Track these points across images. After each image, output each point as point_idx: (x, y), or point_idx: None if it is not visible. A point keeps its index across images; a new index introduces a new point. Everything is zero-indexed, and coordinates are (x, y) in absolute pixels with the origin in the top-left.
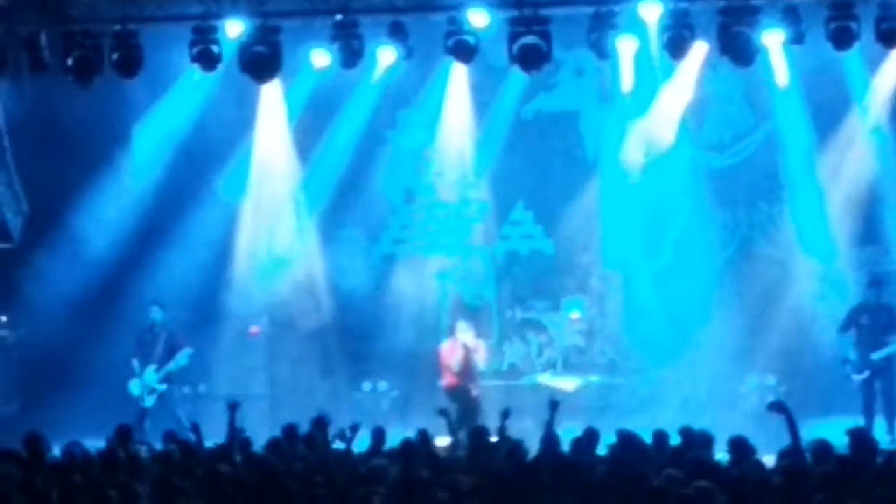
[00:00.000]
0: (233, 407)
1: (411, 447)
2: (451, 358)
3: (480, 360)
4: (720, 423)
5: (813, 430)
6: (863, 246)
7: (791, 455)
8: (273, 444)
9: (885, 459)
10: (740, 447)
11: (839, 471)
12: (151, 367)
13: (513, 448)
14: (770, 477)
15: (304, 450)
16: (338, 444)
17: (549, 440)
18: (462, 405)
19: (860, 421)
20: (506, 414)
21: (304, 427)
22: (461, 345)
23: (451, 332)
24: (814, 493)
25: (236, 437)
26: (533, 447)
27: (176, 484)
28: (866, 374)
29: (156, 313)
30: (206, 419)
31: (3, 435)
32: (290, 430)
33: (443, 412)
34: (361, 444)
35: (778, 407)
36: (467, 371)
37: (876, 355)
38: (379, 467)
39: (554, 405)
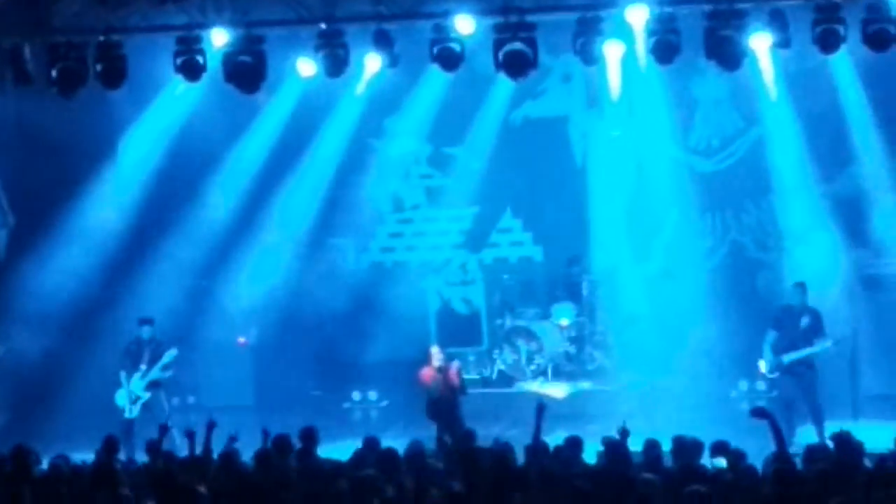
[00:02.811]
0: (210, 426)
1: (394, 456)
2: (428, 383)
3: (454, 380)
4: (711, 429)
5: (802, 434)
6: (854, 249)
7: (779, 460)
8: (261, 456)
9: (876, 462)
10: (727, 451)
11: (829, 474)
12: (137, 375)
13: (501, 454)
14: (761, 482)
15: (293, 462)
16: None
17: (536, 447)
18: (443, 422)
19: (845, 425)
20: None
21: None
22: (436, 369)
23: (426, 358)
24: (805, 496)
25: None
26: (522, 454)
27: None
28: (776, 374)
29: (145, 332)
30: (196, 430)
31: None
32: (280, 442)
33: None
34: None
35: (760, 412)
36: (446, 394)
37: (787, 358)
38: (367, 477)
39: (540, 409)
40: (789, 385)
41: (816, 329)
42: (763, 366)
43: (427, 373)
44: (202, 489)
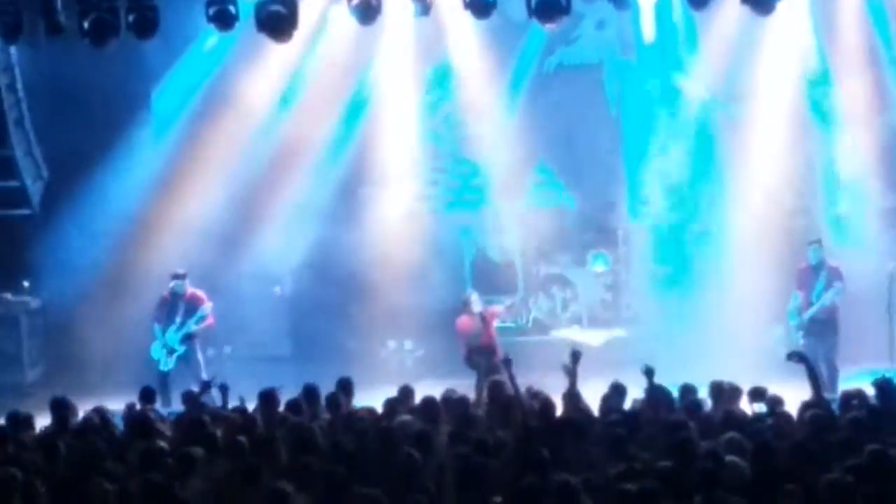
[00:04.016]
0: (223, 389)
1: (433, 404)
2: (468, 331)
3: (502, 319)
4: (748, 375)
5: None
6: (891, 192)
7: (815, 406)
8: (293, 405)
9: None
10: (765, 397)
11: (865, 420)
12: (173, 328)
13: (542, 405)
14: (798, 427)
15: (326, 411)
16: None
17: (572, 395)
18: (483, 371)
19: (882, 368)
20: (508, 362)
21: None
22: (478, 316)
23: (464, 305)
24: (840, 442)
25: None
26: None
27: (192, 453)
28: (801, 334)
29: (178, 286)
30: (232, 381)
31: (28, 399)
32: (310, 391)
33: (506, 362)
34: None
35: (798, 357)
36: (487, 341)
37: (807, 315)
38: (401, 423)
39: (576, 356)
40: (811, 345)
41: (833, 286)
42: (793, 329)
43: (466, 321)
44: (243, 439)
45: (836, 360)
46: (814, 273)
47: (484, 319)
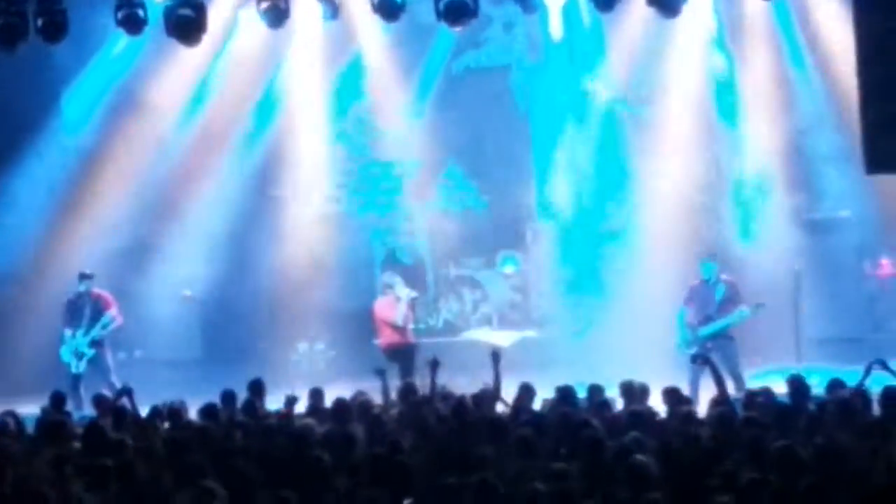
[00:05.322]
0: (128, 392)
1: (345, 406)
2: (392, 313)
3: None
4: (656, 375)
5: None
6: (795, 193)
7: (719, 404)
8: (208, 410)
9: (818, 406)
10: (679, 397)
11: (772, 417)
12: (80, 332)
13: (456, 404)
14: (701, 426)
15: (242, 415)
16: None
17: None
18: (405, 362)
19: (789, 369)
20: (434, 364)
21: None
22: (406, 298)
23: (387, 287)
24: (745, 439)
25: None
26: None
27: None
28: (694, 349)
29: (84, 287)
30: (144, 384)
31: None
32: (227, 396)
33: (379, 372)
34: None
35: (702, 359)
36: (408, 335)
37: (703, 331)
38: (307, 427)
39: (496, 357)
40: (719, 356)
41: (733, 299)
42: (680, 343)
43: (389, 302)
44: (128, 441)
45: (739, 369)
46: (708, 288)
47: (410, 302)
